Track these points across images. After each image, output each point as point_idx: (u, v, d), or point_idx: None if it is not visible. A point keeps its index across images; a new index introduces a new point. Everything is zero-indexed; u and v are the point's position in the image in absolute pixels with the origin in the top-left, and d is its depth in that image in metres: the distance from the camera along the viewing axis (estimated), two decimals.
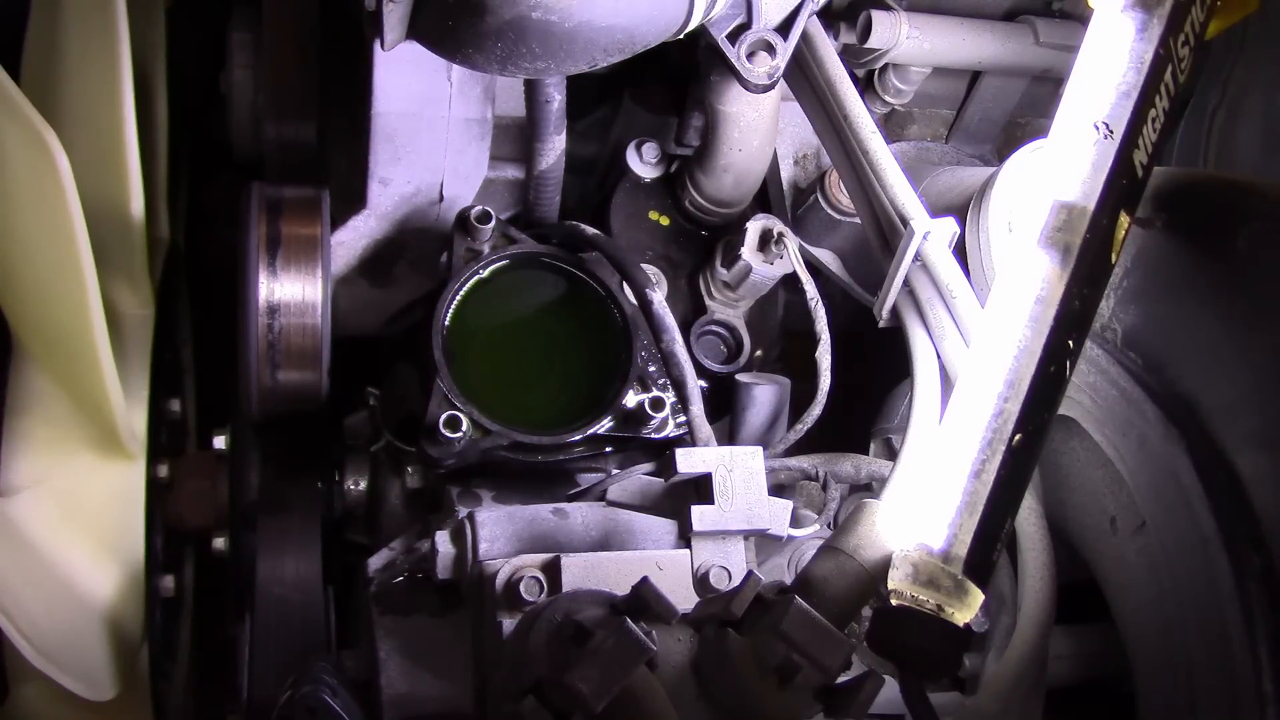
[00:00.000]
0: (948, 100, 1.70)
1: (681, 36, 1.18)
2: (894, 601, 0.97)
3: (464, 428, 1.27)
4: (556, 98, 1.37)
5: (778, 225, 1.49)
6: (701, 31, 1.21)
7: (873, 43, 1.53)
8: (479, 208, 1.38)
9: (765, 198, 1.63)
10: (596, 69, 1.13)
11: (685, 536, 1.14)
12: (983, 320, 1.11)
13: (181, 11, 1.63)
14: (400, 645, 1.23)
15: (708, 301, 1.55)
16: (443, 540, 1.19)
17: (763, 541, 1.24)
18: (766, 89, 1.27)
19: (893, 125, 1.71)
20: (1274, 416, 1.06)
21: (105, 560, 1.37)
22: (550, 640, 0.93)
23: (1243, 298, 1.11)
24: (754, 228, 1.49)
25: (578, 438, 1.34)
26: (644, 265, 1.50)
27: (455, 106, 1.42)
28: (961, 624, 0.95)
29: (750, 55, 1.25)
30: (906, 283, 1.27)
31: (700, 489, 1.13)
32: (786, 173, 1.64)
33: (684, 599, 1.08)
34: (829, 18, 1.55)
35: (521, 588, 1.07)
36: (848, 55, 1.54)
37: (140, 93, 1.35)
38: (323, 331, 1.33)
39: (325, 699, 1.06)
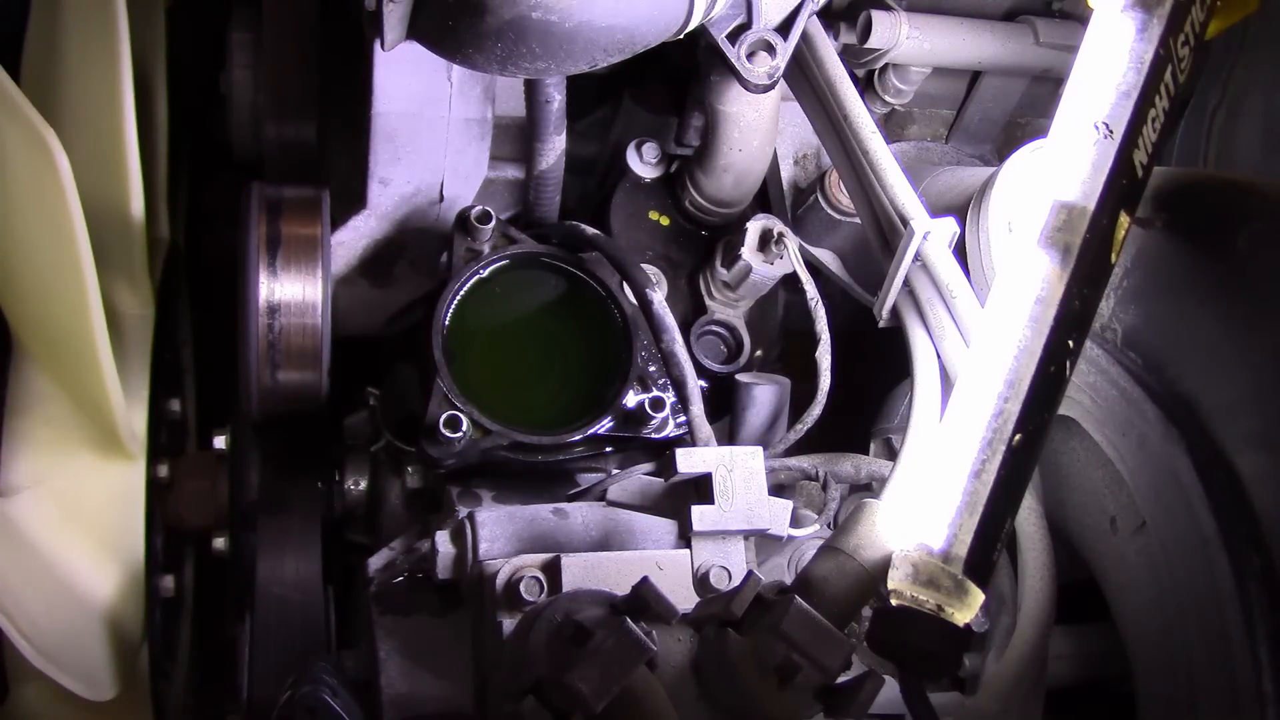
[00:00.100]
0: (948, 100, 1.70)
1: (681, 36, 1.18)
2: (894, 601, 0.97)
3: (464, 428, 1.27)
4: (556, 98, 1.37)
5: (778, 225, 1.49)
6: (701, 31, 1.21)
7: (873, 43, 1.53)
8: (479, 208, 1.38)
9: (765, 198, 1.63)
10: (596, 69, 1.13)
11: (685, 536, 1.14)
12: (983, 320, 1.11)
13: (181, 11, 1.62)
14: (400, 645, 1.23)
15: (708, 301, 1.55)
16: (443, 540, 1.19)
17: (763, 541, 1.24)
18: (766, 89, 1.27)
19: (893, 125, 1.71)
20: (1274, 416, 1.06)
21: (105, 560, 1.37)
22: (550, 640, 0.93)
23: (1243, 298, 1.11)
24: (754, 228, 1.49)
25: (578, 438, 1.34)
26: (644, 265, 1.50)
27: (455, 106, 1.42)
28: (961, 624, 0.95)
29: (750, 55, 1.25)
30: (906, 283, 1.27)
31: (700, 489, 1.13)
32: (786, 173, 1.64)
33: (684, 599, 1.08)
34: (829, 18, 1.55)
35: (521, 588, 1.07)
36: (848, 55, 1.54)
37: (140, 93, 1.35)
38: (323, 331, 1.33)
39: (325, 699, 1.06)
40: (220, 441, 1.49)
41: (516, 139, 1.54)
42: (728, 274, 1.51)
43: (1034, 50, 1.59)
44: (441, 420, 1.27)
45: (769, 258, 1.48)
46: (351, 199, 1.47)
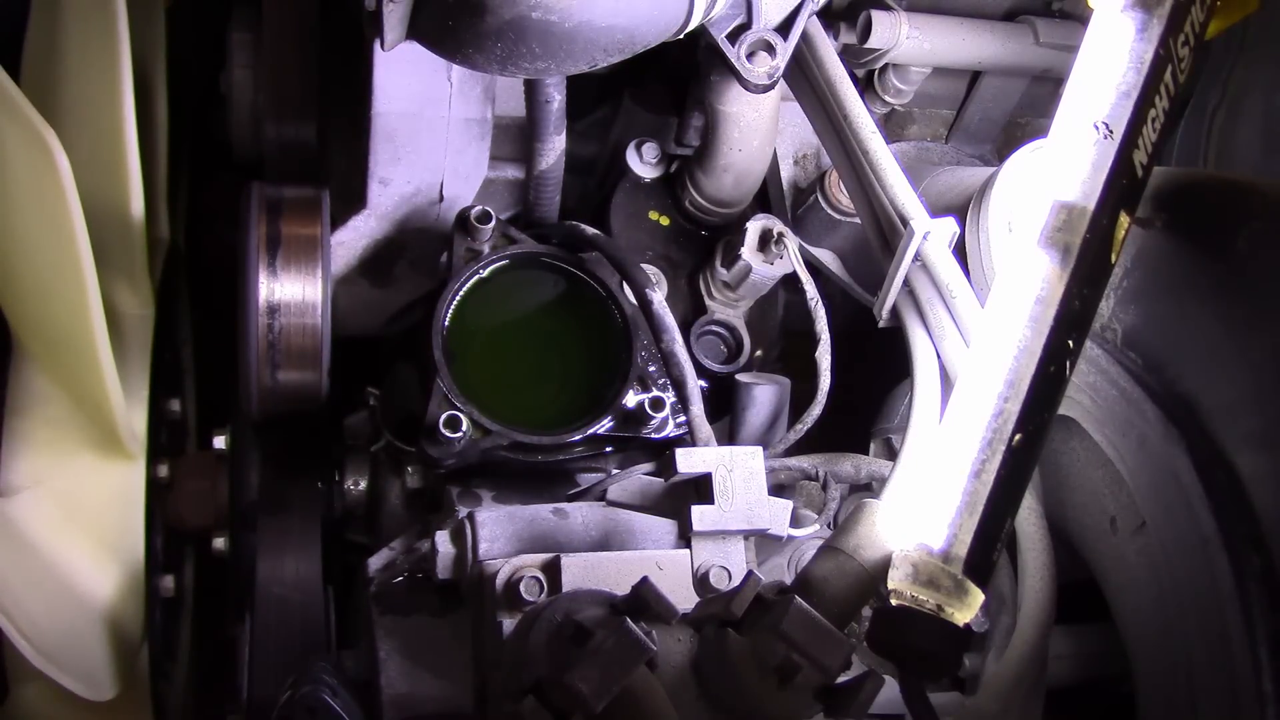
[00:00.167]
0: (948, 100, 1.70)
1: (681, 36, 1.18)
2: (894, 601, 0.97)
3: (464, 428, 1.27)
4: (556, 98, 1.37)
5: (778, 225, 1.49)
6: (701, 31, 1.21)
7: (873, 43, 1.53)
8: (479, 208, 1.38)
9: (765, 198, 1.63)
10: (596, 69, 1.13)
11: (685, 536, 1.14)
12: (983, 320, 1.11)
13: (181, 11, 1.63)
14: (400, 645, 1.23)
15: (708, 301, 1.55)
16: (443, 540, 1.19)
17: (763, 541, 1.24)
18: (766, 89, 1.27)
19: (893, 125, 1.71)
20: (1274, 416, 1.06)
21: (105, 560, 1.37)
22: (550, 640, 0.93)
23: (1243, 298, 1.11)
24: (754, 228, 1.49)
25: (578, 438, 1.34)
26: (644, 265, 1.50)
27: (455, 106, 1.42)
28: (961, 624, 0.95)
29: (750, 55, 1.25)
30: (906, 283, 1.27)
31: (700, 489, 1.13)
32: (786, 173, 1.64)
33: (684, 599, 1.08)
34: (829, 18, 1.55)
35: (521, 588, 1.07)
36: (848, 55, 1.54)
37: (140, 93, 1.35)
38: (323, 331, 1.33)
39: (325, 699, 1.06)
40: (220, 441, 1.49)
41: (516, 139, 1.54)
42: (728, 274, 1.51)
43: (1034, 50, 1.59)
44: (441, 420, 1.27)
45: (769, 258, 1.48)
46: (351, 199, 1.47)
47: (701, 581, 1.13)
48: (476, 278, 1.39)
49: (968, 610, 0.95)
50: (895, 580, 0.97)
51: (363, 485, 1.45)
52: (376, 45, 1.22)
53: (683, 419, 1.34)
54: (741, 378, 1.50)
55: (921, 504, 0.99)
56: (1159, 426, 1.13)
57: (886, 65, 1.60)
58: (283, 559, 1.38)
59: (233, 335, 1.34)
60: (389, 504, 1.45)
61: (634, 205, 1.58)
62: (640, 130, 1.62)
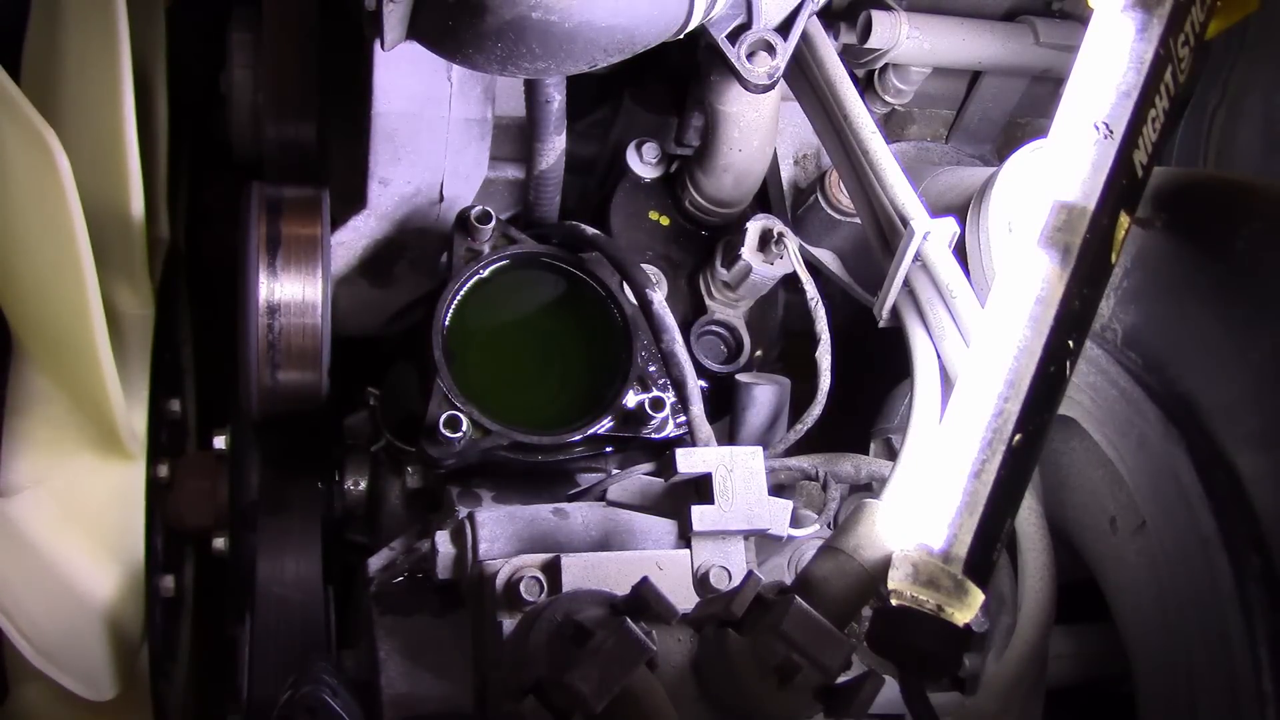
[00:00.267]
0: (948, 100, 1.70)
1: (681, 36, 1.18)
2: (894, 601, 0.97)
3: (464, 428, 1.27)
4: (556, 98, 1.37)
5: (778, 225, 1.49)
6: (701, 31, 1.21)
7: (873, 43, 1.53)
8: (479, 208, 1.38)
9: (765, 198, 1.63)
10: (596, 69, 1.13)
11: (685, 536, 1.14)
12: (983, 320, 1.11)
13: (181, 11, 1.63)
14: (400, 645, 1.23)
15: (708, 301, 1.55)
16: (443, 540, 1.19)
17: (763, 541, 1.24)
18: (766, 89, 1.27)
19: (893, 125, 1.71)
20: (1274, 416, 1.06)
21: (105, 560, 1.37)
22: (550, 640, 0.93)
23: (1243, 298, 1.11)
24: (754, 228, 1.49)
25: (578, 438, 1.34)
26: (644, 265, 1.49)
27: (455, 106, 1.42)
28: (961, 624, 0.95)
29: (750, 55, 1.25)
30: (906, 283, 1.27)
31: (700, 489, 1.13)
32: (786, 173, 1.64)
33: (684, 599, 1.08)
34: (829, 18, 1.55)
35: (521, 588, 1.07)
36: (848, 55, 1.54)
37: (140, 93, 1.35)
38: (323, 331, 1.33)
39: (325, 699, 1.05)
40: (220, 441, 1.49)
41: (516, 139, 1.54)
42: (728, 274, 1.51)
43: (1034, 50, 1.59)
44: (441, 420, 1.27)
45: (769, 258, 1.48)
46: (351, 199, 1.47)
47: (701, 581, 1.13)
48: (476, 278, 1.39)
49: (968, 610, 0.95)
50: (895, 580, 0.97)
51: (363, 485, 1.45)
52: (376, 45, 1.22)
53: (683, 419, 1.34)
54: (741, 378, 1.50)
55: (921, 504, 0.99)
56: (1159, 426, 1.13)
57: (886, 65, 1.60)
58: (283, 559, 1.38)
59: (233, 335, 1.34)
60: (389, 504, 1.45)
61: (634, 205, 1.58)
62: (640, 130, 1.62)
